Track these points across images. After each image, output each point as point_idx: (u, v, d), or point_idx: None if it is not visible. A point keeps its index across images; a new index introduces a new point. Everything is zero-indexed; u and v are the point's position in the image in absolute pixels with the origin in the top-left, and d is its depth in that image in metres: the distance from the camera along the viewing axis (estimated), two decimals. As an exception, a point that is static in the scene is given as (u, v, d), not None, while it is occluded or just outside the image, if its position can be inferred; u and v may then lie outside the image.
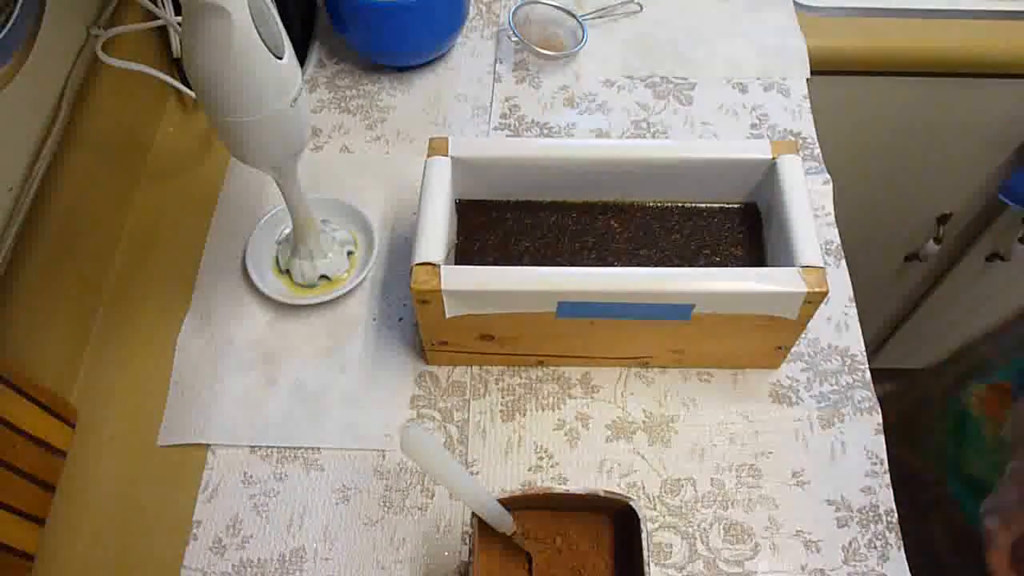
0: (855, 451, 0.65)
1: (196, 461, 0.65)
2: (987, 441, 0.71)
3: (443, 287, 0.58)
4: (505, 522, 0.53)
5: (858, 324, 0.71)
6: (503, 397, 0.68)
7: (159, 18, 0.77)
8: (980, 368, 0.84)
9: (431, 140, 0.66)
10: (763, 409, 0.67)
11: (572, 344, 0.66)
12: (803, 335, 0.68)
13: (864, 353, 0.69)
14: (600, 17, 0.94)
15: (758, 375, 0.68)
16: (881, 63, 0.93)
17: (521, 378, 0.69)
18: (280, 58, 0.52)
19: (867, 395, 0.67)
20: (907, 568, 0.60)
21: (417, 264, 0.59)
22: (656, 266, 0.66)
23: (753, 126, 0.85)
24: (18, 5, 0.63)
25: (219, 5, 0.47)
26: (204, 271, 0.75)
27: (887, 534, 0.61)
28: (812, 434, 0.65)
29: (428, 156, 0.65)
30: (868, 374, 0.68)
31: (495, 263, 0.66)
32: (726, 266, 0.66)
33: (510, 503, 0.54)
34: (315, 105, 0.87)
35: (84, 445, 0.66)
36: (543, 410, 0.67)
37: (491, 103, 0.87)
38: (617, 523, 0.57)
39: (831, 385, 0.68)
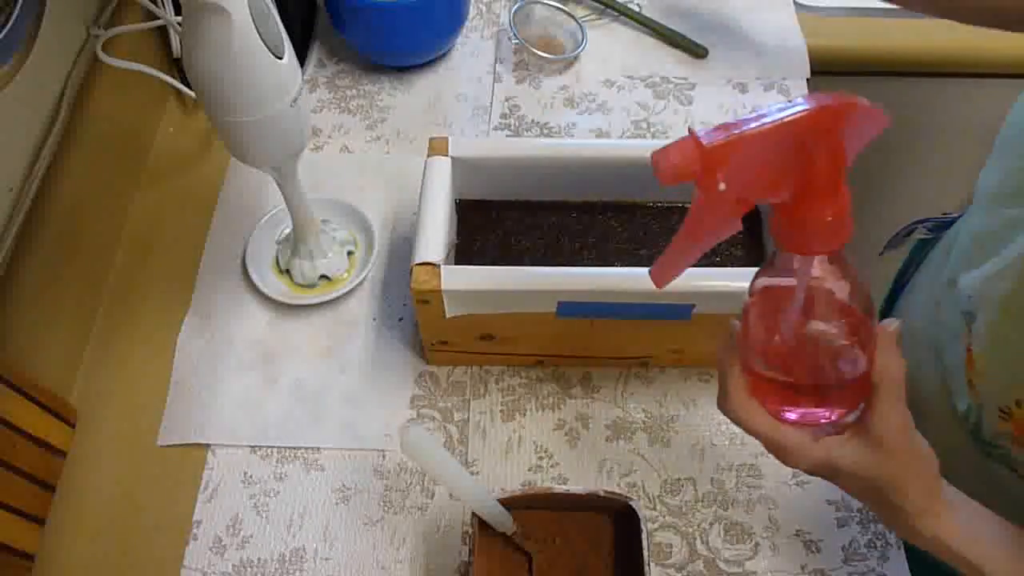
0: (855, 451, 0.64)
1: (196, 461, 0.65)
2: None
3: (443, 287, 0.58)
4: (505, 522, 0.54)
5: (858, 324, 0.71)
6: (503, 397, 0.68)
7: (159, 18, 0.77)
8: None
9: (431, 140, 0.66)
10: (763, 409, 0.67)
11: (572, 344, 0.66)
12: (803, 335, 0.68)
13: (864, 353, 0.69)
14: (600, 17, 0.94)
15: (758, 375, 0.68)
16: (881, 63, 0.93)
17: (521, 378, 0.69)
18: (280, 58, 0.52)
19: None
20: (907, 568, 0.60)
21: (417, 264, 0.59)
22: (656, 266, 0.66)
23: (753, 126, 0.85)
24: (18, 5, 0.63)
25: (219, 5, 0.47)
26: (204, 271, 0.75)
27: (887, 534, 0.61)
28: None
29: (428, 156, 0.65)
30: (868, 374, 0.68)
31: (495, 263, 0.66)
32: (726, 266, 0.66)
33: (510, 503, 0.54)
34: (315, 105, 0.87)
35: (84, 445, 0.66)
36: (543, 410, 0.67)
37: (491, 103, 0.87)
38: (617, 523, 0.57)
39: (831, 385, 0.68)
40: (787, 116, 0.35)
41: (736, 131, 0.35)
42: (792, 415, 0.44)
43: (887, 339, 0.41)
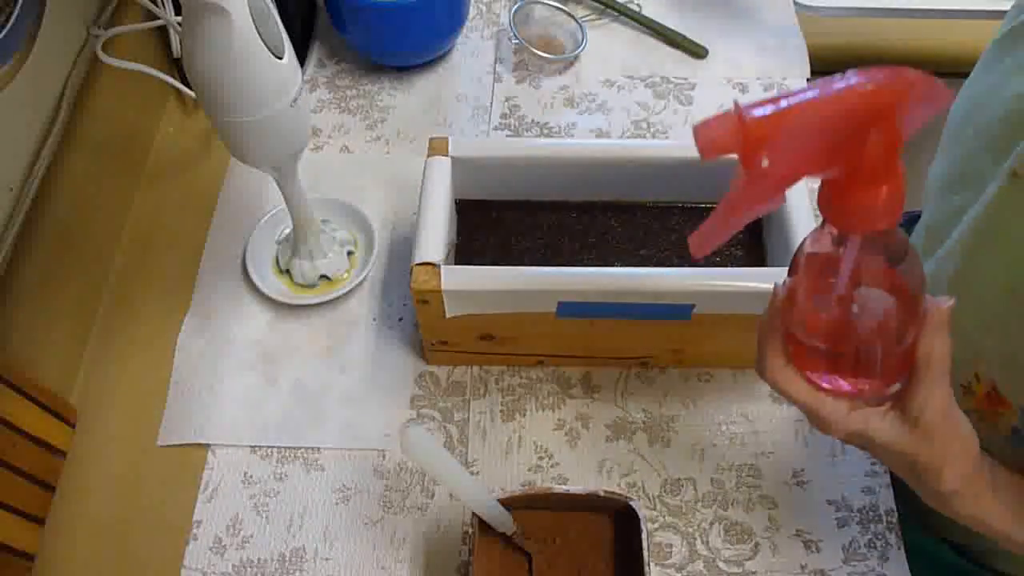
0: (855, 451, 0.64)
1: (196, 461, 0.65)
2: None
3: (443, 287, 0.58)
4: (505, 522, 0.54)
5: (858, 324, 0.71)
6: (503, 397, 0.68)
7: (159, 18, 0.77)
8: None
9: (431, 140, 0.66)
10: (763, 409, 0.67)
11: (572, 344, 0.66)
12: (803, 335, 0.68)
13: (864, 353, 0.69)
14: (600, 17, 0.94)
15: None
16: (881, 63, 0.93)
17: (521, 378, 0.69)
18: (280, 58, 0.52)
19: (867, 395, 0.67)
20: (907, 568, 0.60)
21: (417, 264, 0.59)
22: (656, 266, 0.66)
23: (753, 126, 0.85)
24: (18, 5, 0.63)
25: (219, 5, 0.47)
26: (204, 271, 0.75)
27: (887, 534, 0.61)
28: (812, 434, 0.65)
29: (428, 156, 0.65)
30: (868, 374, 0.68)
31: (495, 263, 0.66)
32: (726, 266, 0.66)
33: (510, 503, 0.54)
34: (315, 105, 0.87)
35: (84, 445, 0.66)
36: (543, 410, 0.67)
37: (491, 103, 0.87)
38: (617, 523, 0.57)
39: (831, 385, 0.68)
40: (838, 93, 0.33)
41: (782, 105, 0.33)
42: (831, 384, 0.43)
43: (938, 317, 0.40)
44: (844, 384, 0.43)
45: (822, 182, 0.37)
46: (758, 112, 0.33)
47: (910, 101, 0.33)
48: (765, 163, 0.34)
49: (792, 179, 0.37)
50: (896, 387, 0.42)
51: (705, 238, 0.42)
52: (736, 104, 0.34)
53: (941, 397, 0.41)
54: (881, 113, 0.33)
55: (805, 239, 0.41)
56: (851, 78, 0.33)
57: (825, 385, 0.43)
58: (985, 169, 0.53)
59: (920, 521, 0.66)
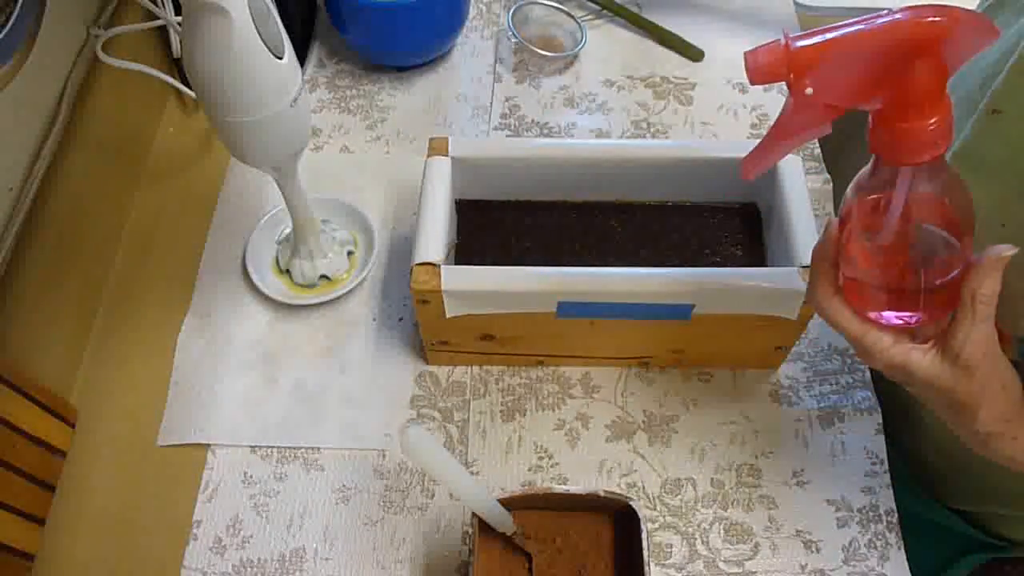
0: (855, 451, 0.65)
1: (196, 461, 0.65)
2: None
3: (443, 287, 0.58)
4: (505, 522, 0.53)
5: (858, 324, 0.71)
6: (503, 397, 0.68)
7: (159, 18, 0.77)
8: None
9: (431, 140, 0.66)
10: (763, 409, 0.67)
11: (572, 344, 0.66)
12: (803, 335, 0.68)
13: (864, 353, 0.69)
14: (600, 17, 0.94)
15: (758, 375, 0.68)
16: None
17: (521, 378, 0.69)
18: (280, 58, 0.52)
19: (867, 395, 0.67)
20: (907, 568, 0.60)
21: (417, 264, 0.59)
22: (656, 266, 0.66)
23: (753, 126, 0.85)
24: (18, 5, 0.63)
25: (219, 5, 0.47)
26: (204, 271, 0.75)
27: (887, 534, 0.61)
28: (812, 434, 0.65)
29: (428, 156, 0.65)
30: (868, 374, 0.68)
31: (495, 263, 0.66)
32: (726, 266, 0.66)
33: (510, 503, 0.54)
34: (315, 105, 0.87)
35: (84, 445, 0.66)
36: (543, 410, 0.67)
37: (491, 103, 0.87)
38: (617, 523, 0.57)
39: (831, 385, 0.68)
40: (884, 25, 0.35)
41: (828, 36, 0.35)
42: (877, 316, 0.44)
43: (993, 260, 0.40)
44: (891, 317, 0.44)
45: (871, 115, 0.38)
46: (804, 42, 0.36)
47: (957, 36, 0.34)
48: (808, 91, 0.36)
49: (837, 107, 0.38)
50: (940, 325, 0.43)
51: (756, 161, 0.44)
52: (785, 33, 0.36)
53: (983, 336, 0.41)
54: (927, 46, 0.35)
55: (862, 171, 0.42)
56: (898, 13, 0.35)
57: (872, 317, 0.44)
58: (963, 133, 0.54)
59: (926, 488, 0.65)
